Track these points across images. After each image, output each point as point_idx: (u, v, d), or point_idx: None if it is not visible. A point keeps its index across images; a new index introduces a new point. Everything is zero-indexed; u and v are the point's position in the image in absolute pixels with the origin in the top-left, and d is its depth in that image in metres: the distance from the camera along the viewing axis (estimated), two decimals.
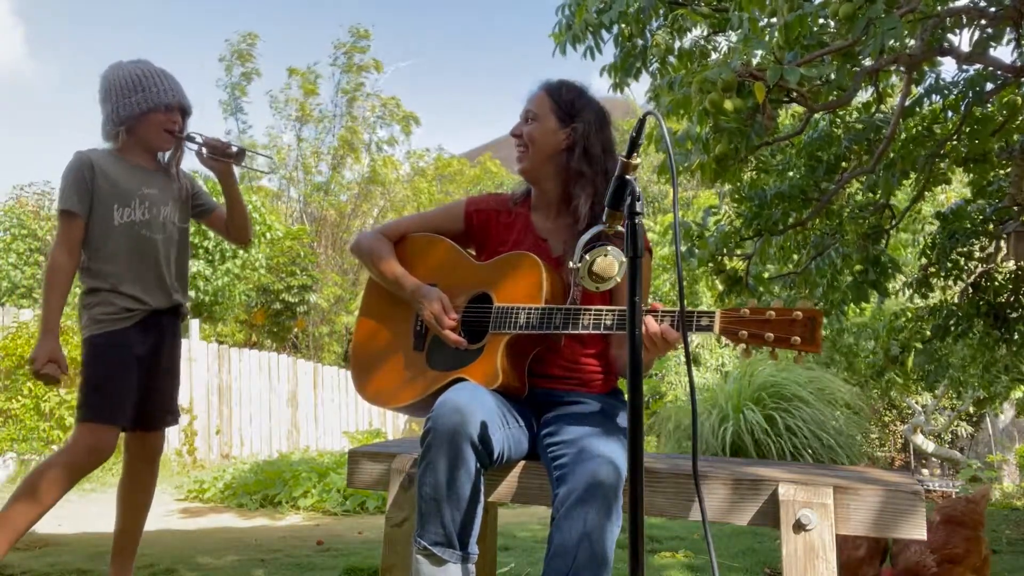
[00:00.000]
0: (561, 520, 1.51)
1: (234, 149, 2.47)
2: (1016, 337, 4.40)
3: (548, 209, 1.95)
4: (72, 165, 2.29)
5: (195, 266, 11.42)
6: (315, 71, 15.62)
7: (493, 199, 2.04)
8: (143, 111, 2.31)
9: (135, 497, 2.45)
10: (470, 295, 1.87)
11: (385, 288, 2.00)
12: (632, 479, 1.19)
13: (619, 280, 1.43)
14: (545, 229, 1.94)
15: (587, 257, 1.42)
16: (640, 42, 3.71)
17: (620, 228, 1.34)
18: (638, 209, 1.26)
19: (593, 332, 1.67)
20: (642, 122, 1.30)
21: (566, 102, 1.90)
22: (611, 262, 1.41)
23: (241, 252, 11.84)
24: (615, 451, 1.57)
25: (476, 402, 1.57)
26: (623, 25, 3.57)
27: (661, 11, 3.62)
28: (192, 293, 11.37)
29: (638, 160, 1.31)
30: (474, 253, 2.02)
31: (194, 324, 9.01)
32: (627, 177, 1.30)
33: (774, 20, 2.75)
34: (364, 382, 1.98)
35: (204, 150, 2.43)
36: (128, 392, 2.27)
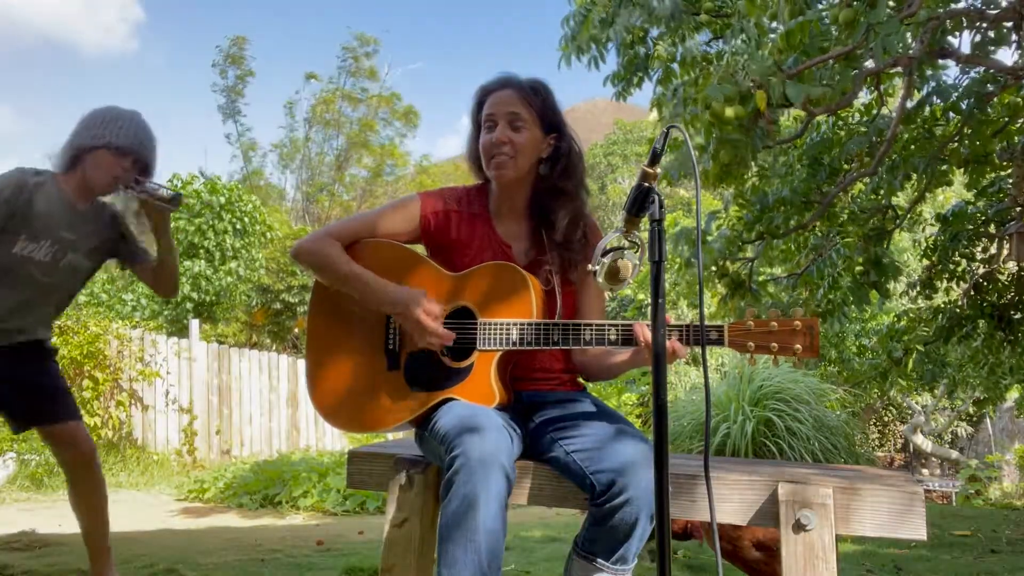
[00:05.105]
0: (627, 480, 1.51)
1: (167, 194, 2.30)
2: (1020, 337, 4.40)
3: (512, 214, 1.87)
4: (8, 181, 2.20)
5: (196, 266, 11.42)
6: (316, 74, 15.68)
7: (448, 196, 1.90)
8: (94, 146, 2.25)
9: (84, 501, 2.40)
10: (448, 309, 1.75)
11: (336, 302, 1.82)
12: (657, 477, 1.19)
13: (630, 281, 1.47)
14: (508, 234, 1.87)
15: (605, 260, 1.45)
16: (642, 50, 3.73)
17: (636, 233, 1.38)
18: (660, 216, 1.29)
19: (597, 348, 1.67)
20: (666, 134, 1.32)
21: (548, 109, 1.83)
22: (627, 264, 1.45)
23: (243, 252, 11.84)
24: (635, 431, 1.65)
25: (493, 426, 1.53)
26: (625, 34, 3.59)
27: (662, 19, 3.63)
28: (194, 294, 11.38)
29: (659, 170, 1.34)
30: (427, 254, 1.89)
31: (194, 324, 9.01)
32: (646, 185, 1.31)
33: (775, 24, 2.76)
34: (333, 411, 1.81)
35: (147, 197, 2.27)
36: None
